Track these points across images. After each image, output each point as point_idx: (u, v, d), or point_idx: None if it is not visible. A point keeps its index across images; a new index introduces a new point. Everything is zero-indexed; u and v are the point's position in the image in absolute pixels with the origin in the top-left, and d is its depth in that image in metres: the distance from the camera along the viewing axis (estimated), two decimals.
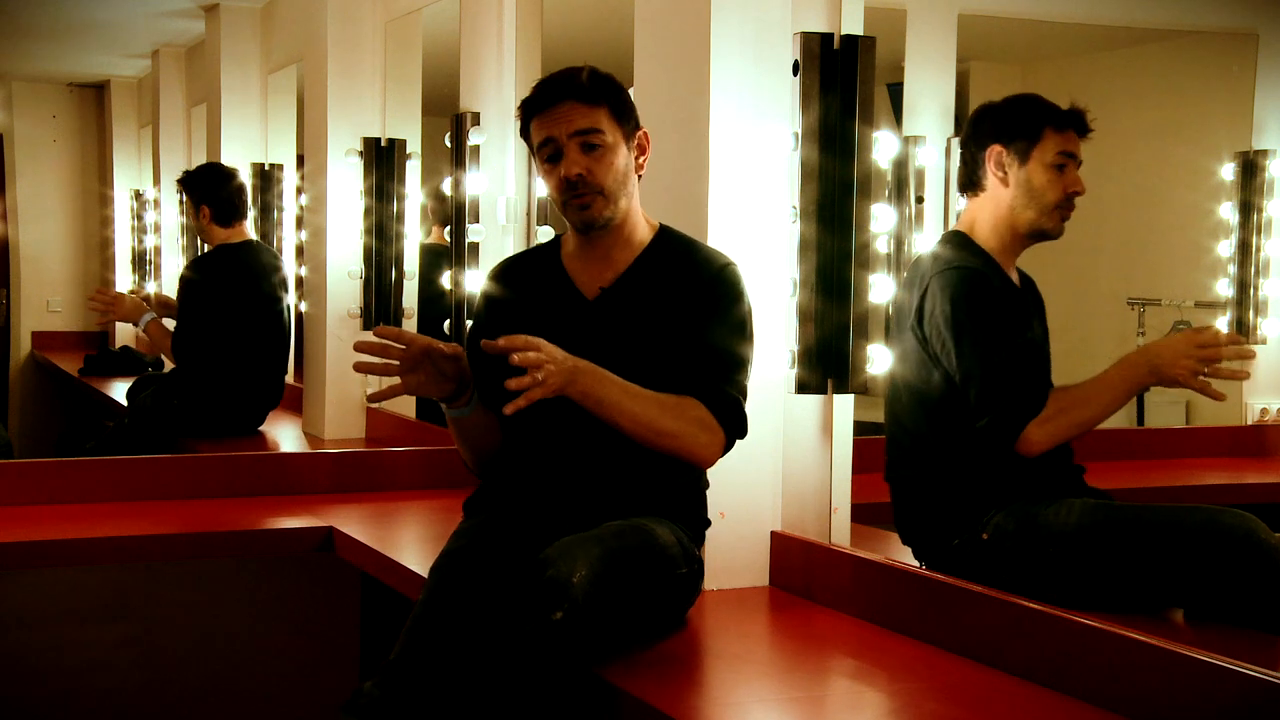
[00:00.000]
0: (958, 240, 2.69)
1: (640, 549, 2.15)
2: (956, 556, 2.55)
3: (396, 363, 2.22)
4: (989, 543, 2.51)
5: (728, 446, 2.28)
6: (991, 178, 2.65)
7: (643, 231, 2.40)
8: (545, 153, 2.31)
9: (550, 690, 1.95)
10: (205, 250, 4.88)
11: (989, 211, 2.66)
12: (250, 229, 4.90)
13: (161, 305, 5.09)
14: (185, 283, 4.73)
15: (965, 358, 2.53)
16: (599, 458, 2.30)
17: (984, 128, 2.68)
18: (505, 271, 2.52)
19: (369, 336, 2.28)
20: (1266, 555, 2.26)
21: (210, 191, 4.70)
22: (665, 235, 2.42)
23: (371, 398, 2.31)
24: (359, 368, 2.26)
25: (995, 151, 2.64)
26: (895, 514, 2.71)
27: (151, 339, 4.90)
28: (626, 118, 2.33)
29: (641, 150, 2.36)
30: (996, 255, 2.66)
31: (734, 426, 2.27)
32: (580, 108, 2.28)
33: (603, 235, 2.35)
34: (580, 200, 2.29)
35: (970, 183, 2.70)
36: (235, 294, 4.62)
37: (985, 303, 2.56)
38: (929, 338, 2.60)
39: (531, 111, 2.32)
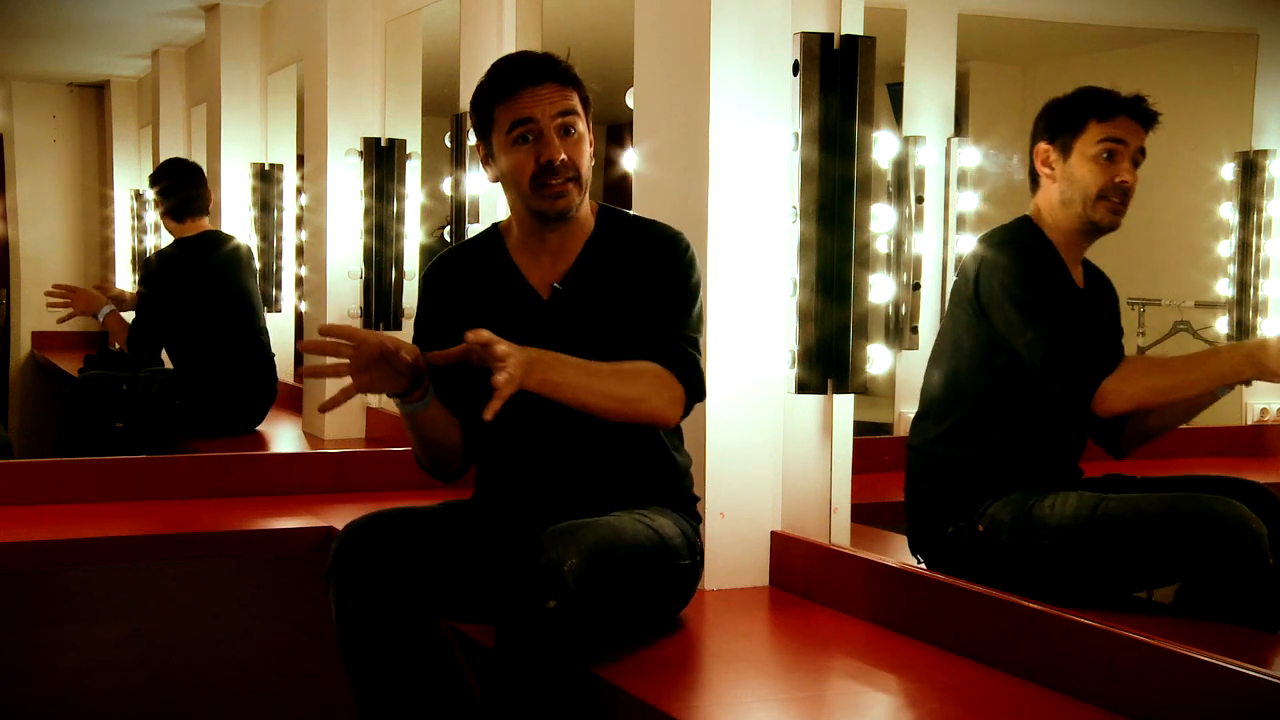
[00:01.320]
0: (1023, 222, 2.69)
1: (638, 537, 2.13)
2: (951, 545, 2.57)
3: (347, 362, 2.09)
4: (984, 534, 2.52)
5: (688, 406, 2.23)
6: (1042, 175, 2.66)
7: (587, 216, 2.33)
8: (517, 134, 2.21)
9: (545, 676, 1.94)
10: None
11: (1046, 207, 2.67)
12: (210, 224, 4.88)
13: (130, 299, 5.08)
14: (144, 274, 4.80)
15: (1029, 325, 2.51)
16: (580, 453, 2.29)
17: (1037, 126, 2.69)
18: (447, 266, 2.40)
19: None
20: (1253, 544, 2.27)
21: (163, 190, 4.76)
22: (607, 216, 2.36)
23: (323, 407, 2.14)
24: (307, 373, 2.15)
25: (1042, 150, 2.66)
26: (905, 486, 2.70)
27: (110, 331, 4.91)
28: (589, 108, 2.28)
29: (592, 143, 2.29)
30: (1060, 247, 2.65)
31: (693, 384, 2.23)
32: (560, 89, 2.22)
33: (557, 227, 2.28)
34: (557, 188, 2.22)
35: (1031, 182, 2.71)
36: (190, 284, 4.64)
37: (1045, 270, 2.56)
38: (988, 310, 2.58)
39: (510, 89, 2.22)
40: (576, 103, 2.24)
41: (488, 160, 2.30)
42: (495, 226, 2.42)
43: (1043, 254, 2.61)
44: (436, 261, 2.44)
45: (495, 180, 2.32)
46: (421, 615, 2.13)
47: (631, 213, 2.41)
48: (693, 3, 2.56)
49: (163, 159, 7.15)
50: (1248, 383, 2.46)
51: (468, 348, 2.02)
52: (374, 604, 2.09)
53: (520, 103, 2.21)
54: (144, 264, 4.98)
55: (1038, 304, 2.52)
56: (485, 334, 2.00)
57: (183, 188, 4.74)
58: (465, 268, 2.38)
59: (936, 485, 2.62)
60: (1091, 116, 2.60)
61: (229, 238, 4.91)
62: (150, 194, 4.95)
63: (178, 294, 4.63)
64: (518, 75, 2.22)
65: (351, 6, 4.62)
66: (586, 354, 2.16)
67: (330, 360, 2.11)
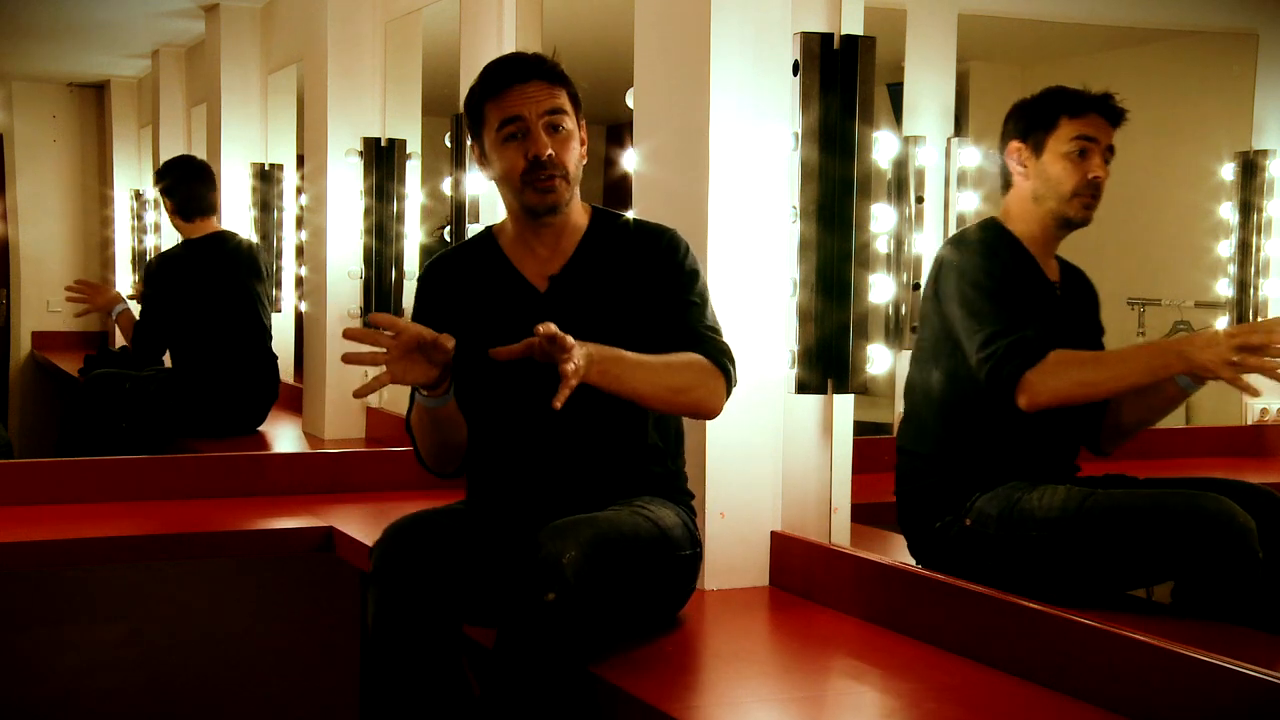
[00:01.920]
0: (985, 223, 2.73)
1: (638, 529, 2.15)
2: (939, 539, 2.57)
3: (384, 351, 2.12)
4: (971, 528, 2.52)
5: (728, 393, 2.28)
6: (1015, 173, 2.67)
7: (581, 216, 2.38)
8: (506, 132, 2.26)
9: (544, 671, 1.94)
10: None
11: (1018, 204, 2.70)
12: (220, 223, 4.89)
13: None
14: (148, 273, 4.80)
15: (970, 321, 2.55)
16: (578, 451, 2.30)
17: (1007, 126, 2.72)
18: (442, 267, 2.44)
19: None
20: (1241, 538, 2.27)
21: (169, 186, 4.76)
22: (601, 217, 2.40)
23: (357, 393, 2.16)
24: (348, 359, 2.14)
25: (1014, 148, 2.69)
26: (896, 487, 2.71)
27: (121, 329, 4.94)
28: (579, 106, 2.32)
29: (583, 141, 2.33)
30: (1029, 244, 2.67)
31: (732, 374, 2.28)
32: (548, 88, 2.27)
33: (549, 222, 2.31)
34: (546, 183, 2.25)
35: (1004, 182, 2.73)
36: (195, 286, 4.64)
37: (987, 267, 2.58)
38: (945, 311, 2.62)
39: (498, 88, 2.27)
40: (564, 100, 2.28)
41: (482, 159, 2.34)
42: (489, 229, 2.45)
43: (1000, 251, 2.63)
44: (432, 263, 2.47)
45: (491, 179, 2.36)
46: (455, 621, 2.14)
47: (622, 213, 2.43)
48: (693, 3, 2.57)
49: (163, 159, 7.18)
50: (1201, 382, 2.45)
51: (530, 343, 2.04)
52: (415, 611, 2.08)
53: (508, 101, 2.25)
54: (147, 265, 4.99)
55: (981, 301, 2.54)
56: (552, 327, 2.02)
57: (185, 186, 4.74)
58: (461, 268, 2.41)
59: (925, 483, 2.63)
60: (1063, 113, 2.63)
61: (236, 239, 4.91)
62: (152, 193, 4.97)
63: (180, 295, 4.64)
64: (506, 74, 2.27)
65: (351, 6, 4.62)
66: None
67: (368, 349, 2.12)
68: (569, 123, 2.28)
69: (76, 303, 4.92)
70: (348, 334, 2.13)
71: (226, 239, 4.82)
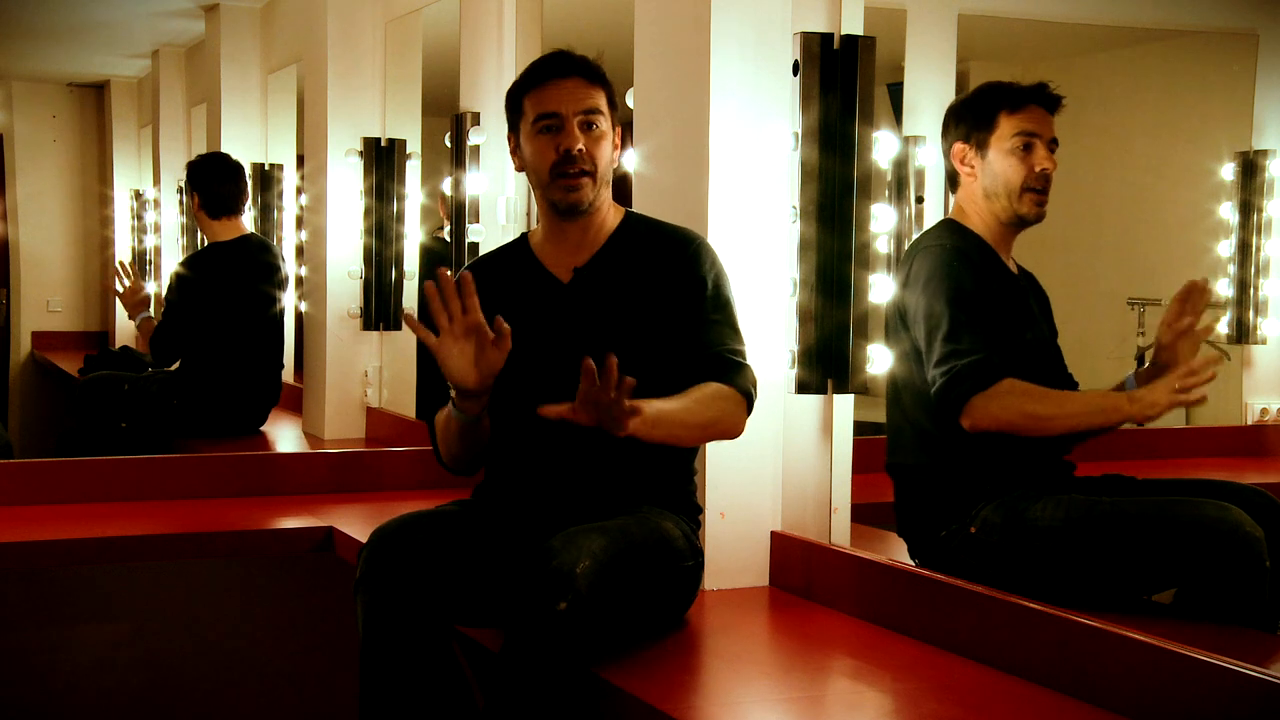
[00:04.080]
0: (944, 225, 2.72)
1: (646, 540, 2.16)
2: (944, 548, 2.57)
3: (447, 318, 2.11)
4: (976, 536, 2.52)
5: (749, 411, 2.29)
6: (962, 174, 2.67)
7: (611, 217, 2.40)
8: (541, 125, 2.30)
9: (551, 679, 1.94)
10: (202, 245, 4.91)
11: (970, 203, 2.70)
12: (247, 224, 4.90)
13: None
14: (175, 278, 4.78)
15: (928, 335, 2.56)
16: (594, 454, 2.30)
17: (948, 128, 2.73)
18: (478, 267, 2.48)
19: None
20: (1250, 547, 2.26)
21: (201, 182, 4.75)
22: (632, 219, 2.43)
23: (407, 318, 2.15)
24: (408, 321, 2.13)
25: (959, 150, 2.69)
26: (895, 503, 2.71)
27: (142, 335, 4.94)
28: (616, 108, 2.36)
29: (616, 145, 2.37)
30: (989, 240, 2.67)
31: (753, 396, 2.29)
32: (586, 86, 2.31)
33: (577, 220, 2.34)
34: (571, 180, 2.29)
35: (951, 181, 2.74)
36: (221, 291, 4.63)
37: (950, 278, 2.57)
38: (911, 325, 2.61)
39: (538, 81, 2.31)
40: (601, 101, 2.32)
41: (516, 150, 2.39)
42: (524, 234, 2.51)
43: (968, 254, 2.61)
44: (467, 267, 2.51)
45: (520, 169, 2.40)
46: (445, 624, 2.15)
47: (654, 218, 2.45)
48: (693, 3, 2.57)
49: (163, 159, 7.19)
50: (1140, 423, 2.47)
51: (574, 408, 2.00)
52: (404, 616, 2.10)
53: (546, 94, 2.30)
54: (175, 270, 4.98)
55: (943, 318, 2.54)
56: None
57: (207, 186, 4.73)
58: (493, 270, 2.45)
59: (928, 492, 2.62)
60: (1002, 109, 2.63)
61: (261, 243, 4.92)
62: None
63: (203, 301, 4.63)
64: (547, 69, 2.33)
65: (351, 6, 4.62)
66: (602, 337, 2.18)
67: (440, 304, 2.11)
68: (604, 123, 2.32)
69: (118, 280, 4.92)
70: (438, 277, 2.11)
71: (251, 243, 4.82)
